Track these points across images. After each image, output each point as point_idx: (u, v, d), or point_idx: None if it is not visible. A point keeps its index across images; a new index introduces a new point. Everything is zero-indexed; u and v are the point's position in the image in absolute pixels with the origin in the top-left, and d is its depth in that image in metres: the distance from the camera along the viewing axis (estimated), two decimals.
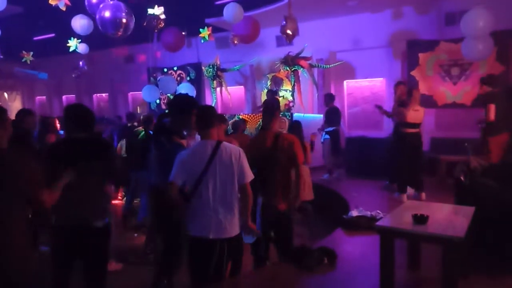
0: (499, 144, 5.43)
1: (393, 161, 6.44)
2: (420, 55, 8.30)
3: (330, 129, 7.61)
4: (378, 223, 3.19)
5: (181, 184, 2.74)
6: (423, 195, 5.93)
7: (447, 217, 3.24)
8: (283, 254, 3.66)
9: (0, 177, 2.14)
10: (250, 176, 2.78)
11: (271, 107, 3.74)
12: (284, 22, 6.23)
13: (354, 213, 5.03)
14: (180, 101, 3.51)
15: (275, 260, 3.77)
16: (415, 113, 5.84)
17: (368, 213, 4.99)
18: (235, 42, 8.47)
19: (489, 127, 5.51)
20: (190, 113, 3.02)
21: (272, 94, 9.21)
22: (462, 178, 4.21)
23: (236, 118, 7.79)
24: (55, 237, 2.81)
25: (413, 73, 8.41)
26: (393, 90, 6.93)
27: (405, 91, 6.53)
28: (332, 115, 7.67)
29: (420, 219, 2.94)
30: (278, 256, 3.71)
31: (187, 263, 2.89)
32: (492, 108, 5.36)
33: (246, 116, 8.23)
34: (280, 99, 10.08)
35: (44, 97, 16.34)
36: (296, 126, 5.52)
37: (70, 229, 2.74)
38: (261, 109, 8.75)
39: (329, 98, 7.83)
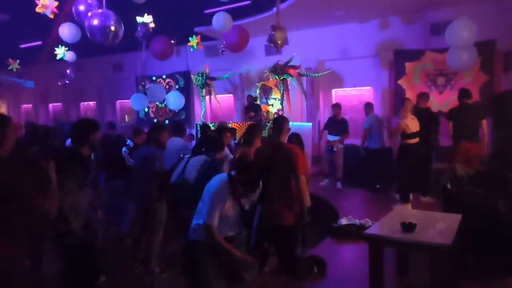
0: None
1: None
2: (407, 64, 8.43)
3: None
4: (366, 231, 3.21)
5: None
6: (426, 198, 6.17)
7: (435, 224, 3.28)
8: (281, 267, 3.60)
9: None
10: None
11: (281, 121, 3.79)
12: (271, 32, 6.24)
13: (343, 221, 5.05)
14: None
15: (274, 267, 3.72)
16: (412, 122, 5.92)
17: (357, 221, 5.02)
18: (221, 51, 8.43)
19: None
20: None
21: (253, 99, 9.38)
22: (448, 185, 4.27)
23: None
24: None
25: (400, 82, 8.53)
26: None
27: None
28: (346, 124, 8.01)
29: (408, 227, 2.98)
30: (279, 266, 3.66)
31: None
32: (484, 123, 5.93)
33: (236, 124, 8.23)
34: (269, 107, 10.16)
35: (30, 105, 16.12)
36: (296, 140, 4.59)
37: None
38: (249, 115, 8.83)
39: (337, 108, 8.10)
